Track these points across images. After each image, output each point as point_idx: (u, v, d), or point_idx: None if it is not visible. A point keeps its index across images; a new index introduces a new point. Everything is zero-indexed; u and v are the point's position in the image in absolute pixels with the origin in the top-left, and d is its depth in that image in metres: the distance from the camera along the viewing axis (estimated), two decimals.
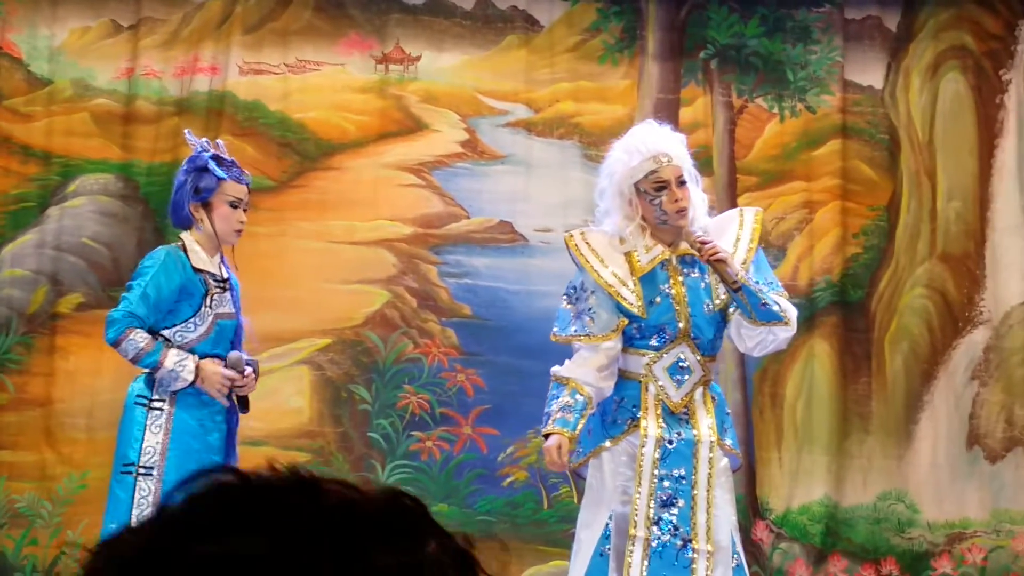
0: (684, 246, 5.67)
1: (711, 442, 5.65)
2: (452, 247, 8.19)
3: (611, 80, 8.32)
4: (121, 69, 8.32)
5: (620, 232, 5.69)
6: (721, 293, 5.67)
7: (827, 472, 8.03)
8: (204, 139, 6.15)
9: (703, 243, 5.53)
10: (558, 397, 5.69)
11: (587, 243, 5.76)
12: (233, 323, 6.11)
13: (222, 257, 6.13)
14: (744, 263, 5.67)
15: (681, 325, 5.68)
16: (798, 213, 8.23)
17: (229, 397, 6.07)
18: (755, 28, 8.30)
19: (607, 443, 5.69)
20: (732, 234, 5.76)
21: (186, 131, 6.31)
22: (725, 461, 5.74)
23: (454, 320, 8.13)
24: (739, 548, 5.75)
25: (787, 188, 8.26)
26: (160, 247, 6.11)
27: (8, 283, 8.13)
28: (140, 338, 5.82)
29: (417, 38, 8.35)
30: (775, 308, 5.63)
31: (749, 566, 7.90)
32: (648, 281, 5.69)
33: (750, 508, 8.00)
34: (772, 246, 8.21)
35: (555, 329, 5.76)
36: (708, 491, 5.63)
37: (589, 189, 8.36)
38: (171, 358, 5.84)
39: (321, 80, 8.33)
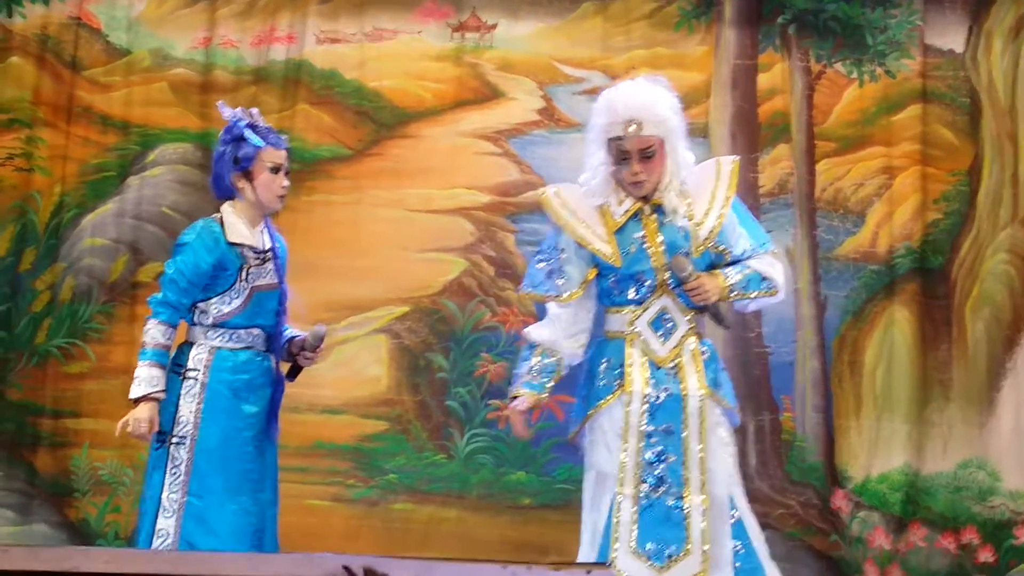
0: (658, 196, 5.65)
1: (700, 396, 5.61)
2: (529, 215, 8.18)
3: (688, 47, 8.27)
4: (198, 39, 8.36)
5: (596, 176, 5.68)
6: (701, 238, 5.64)
7: (907, 440, 7.97)
8: (239, 108, 6.11)
9: (692, 289, 5.57)
10: (528, 359, 5.73)
11: (562, 200, 5.77)
12: (275, 293, 6.05)
13: (267, 224, 6.09)
14: (719, 219, 5.68)
15: (658, 276, 5.65)
16: (877, 179, 8.16)
17: (278, 367, 6.08)
18: None
19: (600, 405, 5.67)
20: (708, 189, 5.73)
21: (219, 102, 6.28)
22: (719, 414, 5.69)
23: None
24: (740, 503, 5.66)
25: (866, 154, 8.19)
26: (197, 221, 6.06)
27: (89, 252, 8.20)
28: (152, 334, 5.83)
29: (493, 6, 8.34)
30: (763, 292, 5.70)
31: (827, 535, 7.89)
32: (622, 233, 5.67)
33: (828, 476, 7.96)
34: (851, 212, 8.15)
35: (524, 284, 5.81)
36: (701, 445, 5.58)
37: None
38: (144, 369, 5.82)
39: (397, 48, 8.34)
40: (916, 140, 8.15)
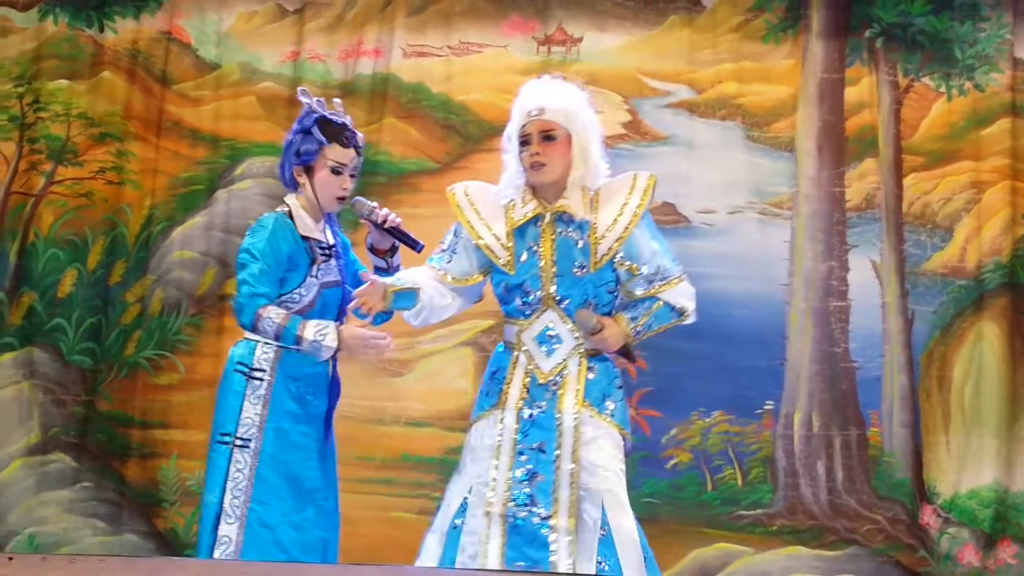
0: (562, 203, 5.55)
1: (575, 415, 5.47)
2: None
3: (774, 60, 8.25)
4: (287, 53, 8.43)
5: (507, 178, 5.64)
6: (600, 254, 5.53)
7: (996, 456, 7.90)
8: (317, 99, 5.91)
9: (595, 341, 5.51)
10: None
11: (468, 196, 5.71)
12: (339, 291, 5.82)
13: (329, 219, 5.86)
14: (622, 235, 5.52)
15: (544, 288, 5.54)
16: (966, 193, 8.10)
17: (334, 371, 5.87)
18: (922, 6, 8.18)
19: (481, 414, 5.61)
20: (618, 203, 5.58)
21: (299, 88, 6.13)
22: (603, 432, 5.50)
23: None
24: (614, 517, 5.44)
25: (954, 168, 8.13)
26: (267, 214, 5.80)
27: (178, 265, 8.28)
28: (275, 315, 5.58)
29: (579, 19, 8.35)
30: (672, 323, 5.63)
31: (915, 551, 7.83)
32: (519, 236, 5.58)
33: (917, 492, 7.91)
34: (939, 227, 8.10)
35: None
36: (573, 465, 5.45)
37: (752, 170, 8.31)
38: (310, 329, 5.60)
39: (484, 62, 8.37)
40: (1005, 154, 8.09)
